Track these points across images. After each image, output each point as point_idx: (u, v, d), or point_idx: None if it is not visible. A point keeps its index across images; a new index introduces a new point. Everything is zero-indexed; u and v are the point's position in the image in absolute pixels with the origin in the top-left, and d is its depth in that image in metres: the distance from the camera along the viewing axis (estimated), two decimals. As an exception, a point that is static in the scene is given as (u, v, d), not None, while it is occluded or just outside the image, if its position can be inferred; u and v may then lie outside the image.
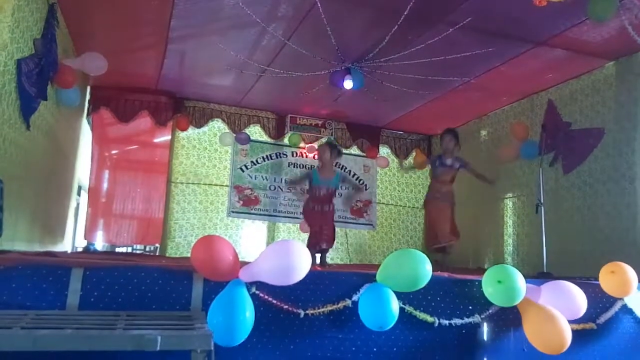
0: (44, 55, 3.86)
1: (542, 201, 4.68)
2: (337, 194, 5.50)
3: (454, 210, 5.46)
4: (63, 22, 4.51)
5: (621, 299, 3.27)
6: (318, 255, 5.24)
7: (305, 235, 7.29)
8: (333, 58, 5.03)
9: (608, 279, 3.22)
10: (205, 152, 7.23)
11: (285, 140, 7.47)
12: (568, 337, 2.80)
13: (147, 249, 8.03)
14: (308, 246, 5.28)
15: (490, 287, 2.93)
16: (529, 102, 6.07)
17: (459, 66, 5.10)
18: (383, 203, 8.01)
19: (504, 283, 2.88)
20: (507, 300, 2.92)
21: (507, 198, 6.35)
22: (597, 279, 3.27)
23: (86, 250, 7.33)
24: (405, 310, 2.86)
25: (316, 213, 5.26)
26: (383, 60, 4.96)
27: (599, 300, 3.25)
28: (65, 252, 5.54)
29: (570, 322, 3.05)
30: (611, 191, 4.81)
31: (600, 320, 3.19)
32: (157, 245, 7.09)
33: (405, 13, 3.98)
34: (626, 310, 3.29)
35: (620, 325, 3.28)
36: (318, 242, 5.21)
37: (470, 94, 6.03)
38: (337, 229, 7.62)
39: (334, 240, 5.43)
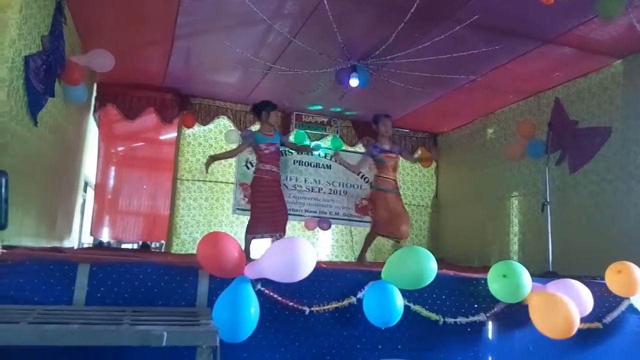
0: (51, 52, 3.87)
1: (548, 200, 4.65)
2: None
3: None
4: (70, 19, 4.53)
5: (627, 298, 3.26)
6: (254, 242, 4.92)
7: (311, 233, 7.37)
8: (339, 55, 5.03)
9: (614, 278, 3.21)
10: (211, 149, 7.23)
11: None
12: (576, 321, 2.78)
13: (153, 245, 8.06)
14: (253, 231, 4.91)
15: (495, 282, 2.92)
16: (536, 101, 6.04)
17: (465, 64, 5.07)
18: (388, 201, 7.98)
19: (508, 277, 2.87)
20: (512, 296, 2.91)
21: (513, 197, 6.33)
22: (603, 278, 3.26)
23: (99, 245, 7.37)
24: (410, 308, 2.86)
25: (270, 175, 5.02)
26: (389, 57, 4.94)
27: (605, 300, 3.25)
28: (72, 248, 5.58)
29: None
30: (618, 190, 4.79)
31: (606, 319, 3.19)
32: (163, 241, 7.12)
33: (411, 10, 3.96)
34: (632, 309, 3.29)
35: (627, 325, 3.27)
36: (274, 227, 4.94)
37: (477, 92, 6.00)
38: (342, 227, 7.71)
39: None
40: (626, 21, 3.92)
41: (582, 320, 3.05)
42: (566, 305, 2.80)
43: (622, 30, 4.23)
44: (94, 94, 6.44)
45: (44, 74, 3.74)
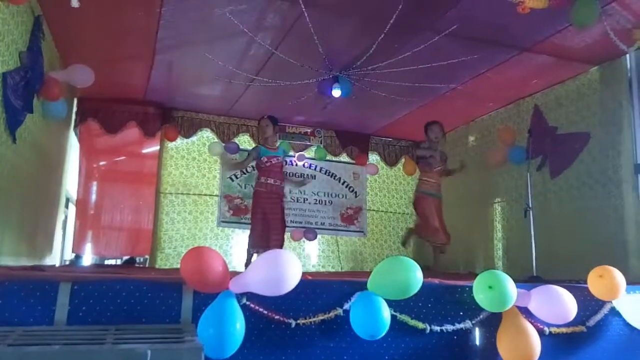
0: (29, 68, 3.83)
1: (530, 205, 4.72)
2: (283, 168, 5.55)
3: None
4: (49, 35, 4.49)
5: (610, 302, 3.30)
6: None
7: (297, 244, 7.35)
8: (321, 67, 5.05)
9: (596, 282, 3.25)
10: (194, 162, 7.20)
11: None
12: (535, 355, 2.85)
13: (137, 260, 7.95)
14: (252, 245, 5.12)
15: (481, 292, 2.94)
16: (516, 108, 6.13)
17: (445, 73, 5.14)
18: (373, 210, 8.02)
19: (494, 288, 2.89)
20: (497, 306, 2.93)
21: (496, 203, 6.39)
22: (586, 282, 3.30)
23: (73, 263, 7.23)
24: (397, 318, 2.86)
25: (271, 187, 5.25)
26: (370, 68, 4.99)
27: (588, 304, 3.28)
28: (54, 266, 5.48)
29: (559, 325, 3.09)
30: (598, 194, 4.86)
31: (589, 323, 3.22)
32: (147, 256, 7.02)
33: (391, 21, 4.01)
34: (615, 313, 3.33)
35: (610, 328, 3.31)
36: (266, 241, 5.05)
37: (457, 101, 6.08)
38: (328, 237, 7.70)
39: (283, 239, 5.35)
40: (600, 29, 4.00)
41: (566, 324, 3.09)
42: (531, 343, 2.87)
43: (597, 37, 4.32)
44: (75, 108, 6.38)
45: (22, 90, 3.70)
